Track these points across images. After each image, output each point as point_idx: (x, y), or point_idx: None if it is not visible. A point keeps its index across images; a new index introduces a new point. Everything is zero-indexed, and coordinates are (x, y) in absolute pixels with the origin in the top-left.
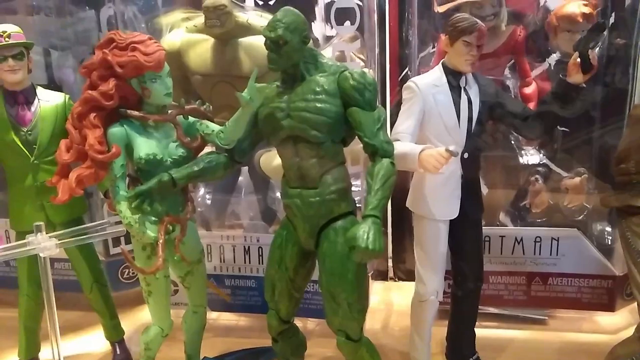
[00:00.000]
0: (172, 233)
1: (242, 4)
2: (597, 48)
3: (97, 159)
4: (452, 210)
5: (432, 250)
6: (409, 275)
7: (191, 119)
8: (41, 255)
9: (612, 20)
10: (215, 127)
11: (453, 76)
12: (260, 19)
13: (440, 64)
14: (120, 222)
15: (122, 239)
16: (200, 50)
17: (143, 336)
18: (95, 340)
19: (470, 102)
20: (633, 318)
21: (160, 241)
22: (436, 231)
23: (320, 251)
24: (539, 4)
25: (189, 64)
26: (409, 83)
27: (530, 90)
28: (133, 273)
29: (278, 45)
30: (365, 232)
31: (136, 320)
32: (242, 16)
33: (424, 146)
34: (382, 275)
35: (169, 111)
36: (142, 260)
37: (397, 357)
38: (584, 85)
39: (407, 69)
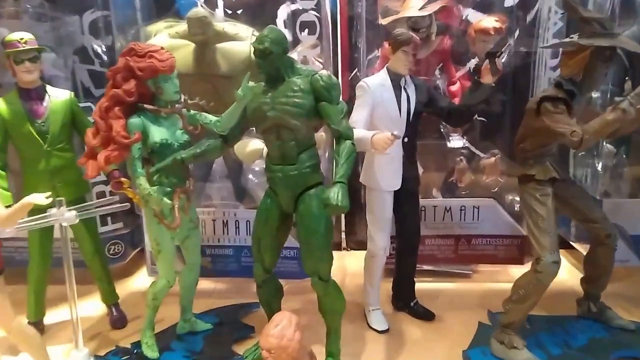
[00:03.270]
0: (181, 200)
1: (212, 13)
2: (503, 57)
3: (124, 143)
4: (396, 183)
5: (380, 214)
6: (360, 245)
7: (192, 111)
8: (63, 224)
9: (517, 33)
10: (212, 117)
11: (395, 78)
12: (234, 27)
13: (385, 68)
14: (116, 201)
15: (109, 218)
16: (183, 53)
17: (151, 288)
18: (91, 306)
19: (408, 98)
20: None
21: (176, 205)
22: (384, 199)
23: (298, 212)
24: (462, 18)
25: None
26: (361, 83)
27: (455, 87)
28: (118, 249)
29: (265, 54)
30: (335, 193)
31: (120, 291)
32: (219, 25)
33: (375, 132)
34: (337, 246)
35: (176, 105)
36: (153, 226)
37: (354, 307)
38: (493, 84)
39: (356, 70)
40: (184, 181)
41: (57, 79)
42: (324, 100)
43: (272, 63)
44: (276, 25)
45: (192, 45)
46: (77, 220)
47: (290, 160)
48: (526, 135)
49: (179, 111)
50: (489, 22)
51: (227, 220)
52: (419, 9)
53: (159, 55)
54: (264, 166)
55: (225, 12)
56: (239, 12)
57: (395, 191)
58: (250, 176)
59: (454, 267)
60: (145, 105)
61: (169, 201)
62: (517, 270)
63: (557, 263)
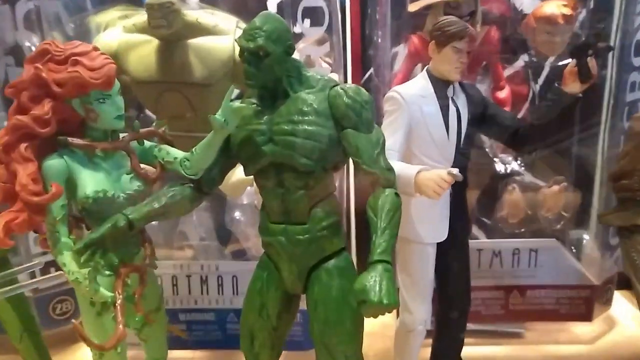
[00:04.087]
0: (130, 287)
1: (184, 1)
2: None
3: (32, 201)
4: (441, 232)
5: (419, 276)
6: None
7: (147, 143)
8: None
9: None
10: (177, 153)
11: (440, 85)
12: (211, 17)
13: (424, 72)
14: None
15: (52, 269)
16: (142, 53)
17: None
18: None
19: (459, 113)
20: (608, 326)
21: (119, 301)
22: (424, 255)
23: (311, 296)
24: (513, 5)
25: (129, 69)
26: (392, 93)
27: (503, 94)
28: (67, 308)
29: (258, 57)
30: (376, 283)
31: None
32: (190, 14)
33: (420, 167)
34: None
35: (121, 136)
36: (90, 319)
37: None
38: (581, 95)
39: (370, 71)
40: (132, 253)
41: None
42: (349, 127)
43: (269, 70)
44: None
45: (155, 41)
46: None
47: (298, 218)
48: (634, 166)
49: (126, 145)
50: (555, 7)
51: (206, 276)
52: None
53: (87, 60)
54: (258, 224)
55: None
56: None
57: (438, 243)
58: (237, 214)
59: (502, 325)
60: (71, 140)
61: (107, 293)
62: (583, 329)
63: None
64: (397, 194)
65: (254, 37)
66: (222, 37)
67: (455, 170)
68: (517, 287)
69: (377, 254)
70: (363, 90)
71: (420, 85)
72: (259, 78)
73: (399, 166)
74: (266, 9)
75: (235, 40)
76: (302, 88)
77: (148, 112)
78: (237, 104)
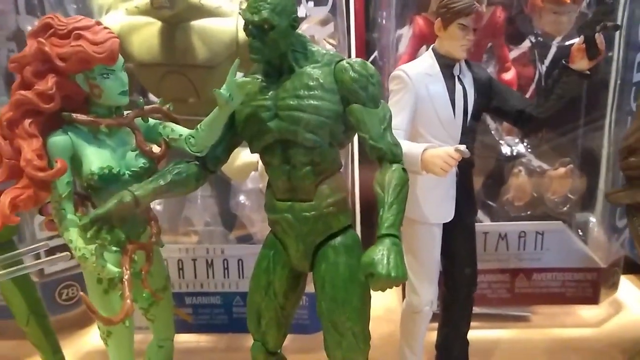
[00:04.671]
0: (137, 264)
1: None
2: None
3: (38, 177)
4: (448, 212)
5: (426, 257)
6: None
7: (152, 121)
8: None
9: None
10: (182, 130)
11: (446, 64)
12: None
13: (430, 51)
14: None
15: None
16: (145, 35)
17: None
18: None
19: (465, 92)
20: (614, 309)
21: (126, 277)
22: (430, 236)
23: (318, 274)
24: None
25: (132, 51)
26: (397, 72)
27: (509, 76)
28: (72, 293)
29: (263, 30)
30: (385, 256)
31: (80, 348)
32: None
33: (427, 145)
34: None
35: (125, 113)
36: (98, 296)
37: None
38: (589, 72)
39: (375, 53)
40: (138, 231)
41: None
42: (356, 102)
43: (274, 44)
44: None
45: (158, 24)
46: None
47: (304, 195)
48: None
49: (130, 122)
50: None
51: (211, 260)
52: None
53: (91, 34)
54: (264, 201)
55: None
56: None
57: (444, 225)
58: (242, 198)
59: (509, 309)
60: (75, 115)
61: (114, 269)
62: (589, 312)
63: None
64: (404, 170)
65: (258, 10)
66: (226, 19)
67: (463, 147)
68: (523, 270)
69: (384, 227)
70: (369, 64)
71: (426, 64)
72: (264, 52)
73: (405, 145)
74: None
75: (239, 13)
76: (307, 63)
77: (152, 97)
78: (242, 78)
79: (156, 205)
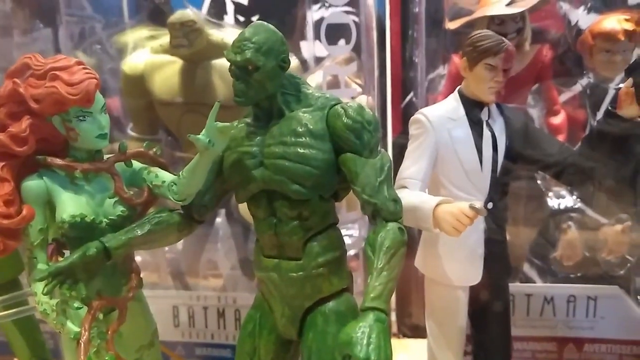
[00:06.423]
0: (102, 322)
1: (219, 22)
2: None
3: (3, 225)
4: (474, 274)
5: (448, 323)
6: (416, 332)
7: (137, 164)
8: None
9: None
10: (168, 176)
11: (473, 107)
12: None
13: (456, 92)
14: None
15: None
16: (167, 73)
17: None
18: None
19: (494, 139)
20: None
21: (84, 339)
22: (454, 300)
23: (305, 344)
24: (569, 21)
25: (154, 89)
26: (417, 116)
27: (558, 120)
28: None
29: (247, 72)
30: (365, 335)
31: None
32: (215, 34)
33: (441, 198)
34: None
35: (105, 157)
36: (71, 350)
37: None
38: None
39: (411, 94)
40: (115, 284)
41: None
42: (349, 151)
43: (259, 86)
44: (305, 36)
45: (180, 62)
46: None
47: (292, 253)
48: None
49: (110, 167)
50: (615, 22)
51: (223, 309)
52: (507, 5)
53: (67, 74)
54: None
55: (235, 19)
56: (254, 18)
57: (471, 287)
58: None
59: None
60: (49, 159)
61: (74, 328)
62: None
63: None
64: (401, 229)
65: (242, 50)
66: None
67: (479, 204)
68: (573, 339)
69: (369, 299)
70: (367, 109)
71: (450, 106)
72: (248, 95)
73: (418, 196)
74: (301, 26)
75: (223, 54)
76: (299, 106)
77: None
78: (223, 123)
79: (178, 245)
